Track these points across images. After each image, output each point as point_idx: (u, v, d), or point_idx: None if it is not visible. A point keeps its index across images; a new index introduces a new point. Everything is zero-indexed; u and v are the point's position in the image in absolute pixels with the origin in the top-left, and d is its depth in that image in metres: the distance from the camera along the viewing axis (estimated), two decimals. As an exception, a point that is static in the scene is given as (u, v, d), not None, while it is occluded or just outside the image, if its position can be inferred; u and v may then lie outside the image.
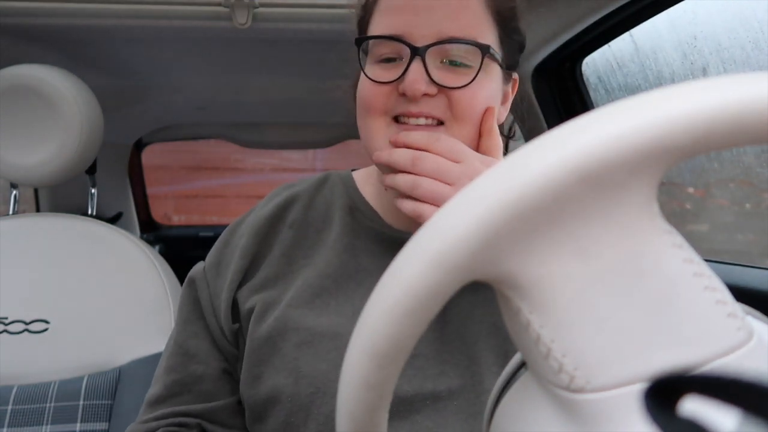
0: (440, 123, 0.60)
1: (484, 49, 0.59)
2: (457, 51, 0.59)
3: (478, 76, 0.59)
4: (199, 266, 0.72)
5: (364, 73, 0.61)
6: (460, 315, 0.62)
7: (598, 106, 1.29)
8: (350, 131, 1.99)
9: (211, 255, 0.71)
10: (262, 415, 0.63)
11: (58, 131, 1.16)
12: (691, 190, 1.32)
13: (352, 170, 0.76)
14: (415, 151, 0.57)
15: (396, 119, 0.61)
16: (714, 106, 0.23)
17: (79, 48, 1.29)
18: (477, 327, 0.61)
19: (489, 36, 0.61)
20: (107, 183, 1.84)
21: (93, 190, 1.50)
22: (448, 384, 0.59)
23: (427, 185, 0.55)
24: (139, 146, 2.11)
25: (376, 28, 0.62)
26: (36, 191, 1.64)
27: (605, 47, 1.18)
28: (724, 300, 0.26)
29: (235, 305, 0.67)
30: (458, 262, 0.24)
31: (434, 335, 0.61)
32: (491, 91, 0.62)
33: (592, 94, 1.28)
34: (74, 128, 1.16)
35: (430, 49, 0.58)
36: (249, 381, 0.64)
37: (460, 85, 0.59)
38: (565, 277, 0.25)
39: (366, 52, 0.63)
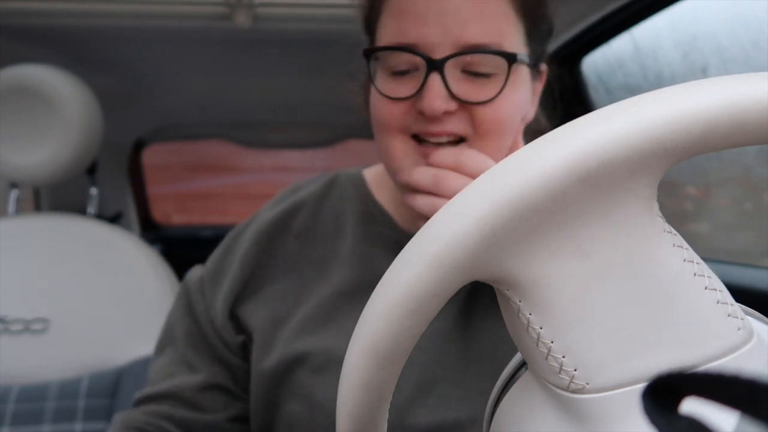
0: (462, 140, 0.54)
1: (511, 59, 0.52)
2: (479, 60, 0.52)
3: (505, 88, 0.52)
4: (194, 273, 0.67)
5: (376, 88, 0.55)
6: (488, 333, 0.58)
7: (598, 106, 1.29)
8: (350, 131, 1.98)
9: (211, 262, 0.67)
10: None
11: (58, 131, 1.16)
12: (691, 190, 1.32)
13: (363, 168, 0.70)
14: (438, 170, 0.51)
15: (414, 136, 0.55)
16: (714, 106, 0.23)
17: (79, 48, 1.29)
18: (508, 347, 0.56)
19: (515, 35, 0.53)
20: (107, 183, 1.83)
21: (93, 190, 1.50)
22: (472, 411, 0.55)
23: None
24: (139, 146, 2.11)
25: (385, 32, 0.55)
26: (36, 191, 1.64)
27: (605, 47, 1.18)
28: (724, 300, 0.26)
29: (235, 317, 0.63)
30: (458, 263, 0.24)
31: (459, 355, 0.57)
32: (519, 101, 0.55)
33: (592, 94, 1.28)
34: (74, 128, 1.16)
35: (449, 61, 0.51)
36: (261, 408, 0.61)
37: (483, 99, 0.52)
38: (565, 277, 0.25)
39: (376, 59, 0.56)
